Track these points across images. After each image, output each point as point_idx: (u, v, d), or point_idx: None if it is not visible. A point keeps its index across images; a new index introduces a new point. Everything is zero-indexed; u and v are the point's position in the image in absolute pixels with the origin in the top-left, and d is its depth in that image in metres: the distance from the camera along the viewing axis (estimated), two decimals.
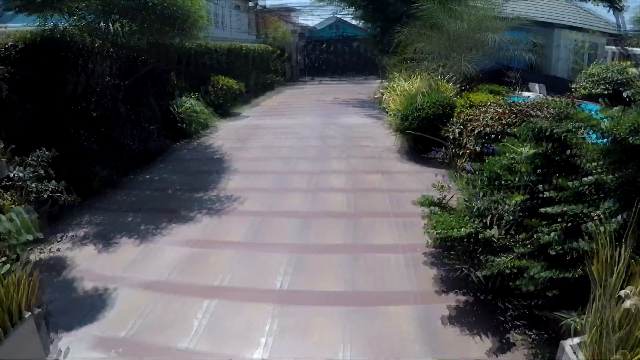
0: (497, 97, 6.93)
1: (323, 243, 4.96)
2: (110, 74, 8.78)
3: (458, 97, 8.28)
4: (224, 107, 14.00)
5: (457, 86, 8.68)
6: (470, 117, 5.46)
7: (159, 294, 4.02)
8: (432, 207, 4.18)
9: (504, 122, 4.55)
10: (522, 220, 3.21)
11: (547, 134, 3.17)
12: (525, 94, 14.04)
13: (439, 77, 8.94)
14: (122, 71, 9.08)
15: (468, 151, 4.86)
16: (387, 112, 11.06)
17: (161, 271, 4.41)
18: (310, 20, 33.37)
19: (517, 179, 3.29)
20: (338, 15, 26.85)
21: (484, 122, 4.69)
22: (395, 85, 10.28)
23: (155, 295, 3.98)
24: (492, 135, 4.60)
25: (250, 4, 26.98)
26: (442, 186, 4.38)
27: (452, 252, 3.65)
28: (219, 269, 4.41)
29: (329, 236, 5.11)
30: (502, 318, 3.46)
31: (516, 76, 16.75)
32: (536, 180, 3.21)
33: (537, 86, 15.97)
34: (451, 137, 5.70)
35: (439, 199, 4.30)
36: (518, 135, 3.61)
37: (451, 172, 4.95)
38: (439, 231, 3.45)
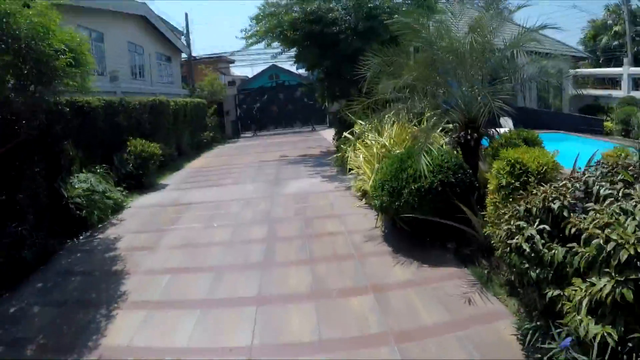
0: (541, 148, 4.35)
1: None
2: None
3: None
4: (146, 179, 10.91)
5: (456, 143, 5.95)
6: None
7: None
8: None
9: None
10: None
11: None
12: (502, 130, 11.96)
13: (427, 123, 6.34)
14: None
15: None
16: (350, 171, 8.58)
17: None
18: (250, 69, 31.71)
19: None
20: (275, 62, 25.17)
21: None
22: (368, 141, 7.59)
23: None
24: None
25: (183, 55, 24.65)
26: None
27: None
28: None
29: None
30: None
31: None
32: None
33: (510, 121, 14.13)
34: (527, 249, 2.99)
35: None
36: None
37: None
38: None
